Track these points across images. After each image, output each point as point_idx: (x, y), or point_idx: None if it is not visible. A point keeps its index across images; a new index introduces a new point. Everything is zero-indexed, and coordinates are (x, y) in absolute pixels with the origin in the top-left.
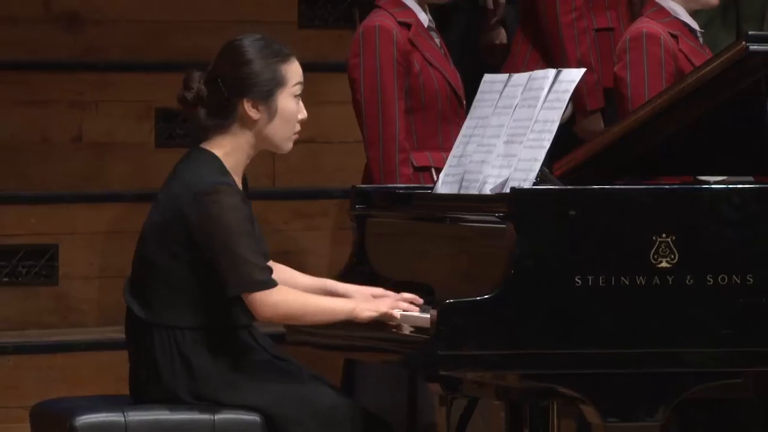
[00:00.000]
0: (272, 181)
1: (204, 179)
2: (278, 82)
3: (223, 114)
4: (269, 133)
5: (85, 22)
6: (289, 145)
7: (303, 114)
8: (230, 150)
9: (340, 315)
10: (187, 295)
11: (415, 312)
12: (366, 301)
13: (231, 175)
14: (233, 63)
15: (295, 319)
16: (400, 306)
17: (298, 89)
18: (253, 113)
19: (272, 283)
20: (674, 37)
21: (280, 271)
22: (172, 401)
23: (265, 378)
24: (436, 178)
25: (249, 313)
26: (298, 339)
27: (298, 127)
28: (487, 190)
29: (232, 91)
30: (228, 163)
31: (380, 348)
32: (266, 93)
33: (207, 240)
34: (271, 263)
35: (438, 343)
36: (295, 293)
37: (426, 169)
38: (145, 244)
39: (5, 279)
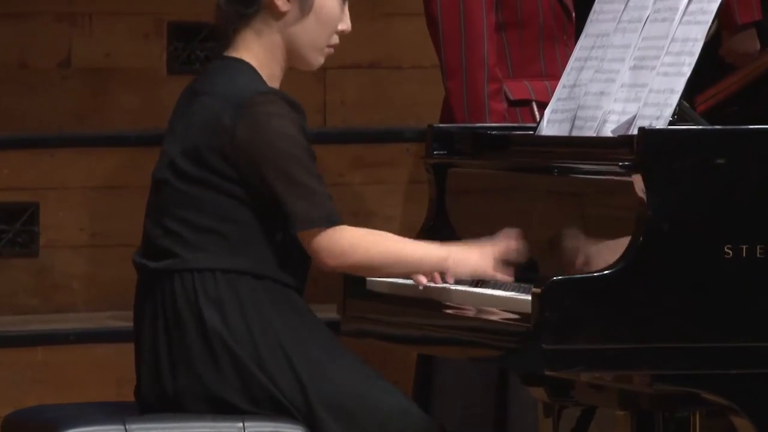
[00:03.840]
0: (323, 119)
1: (247, 87)
2: None
3: None
4: (297, 35)
5: None
6: (319, 60)
7: (345, 24)
8: (261, 56)
9: (427, 266)
10: (229, 236)
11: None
12: (463, 252)
13: None
14: None
15: (369, 270)
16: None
17: None
18: (281, 2)
19: (339, 219)
20: None
21: None
22: (193, 393)
23: (321, 354)
24: (538, 116)
25: (304, 269)
26: (358, 328)
27: (335, 39)
28: (608, 131)
29: None
30: (263, 74)
31: (464, 340)
32: None
33: (257, 163)
34: None
35: (542, 335)
36: (372, 234)
37: (525, 103)
38: (162, 185)
39: None
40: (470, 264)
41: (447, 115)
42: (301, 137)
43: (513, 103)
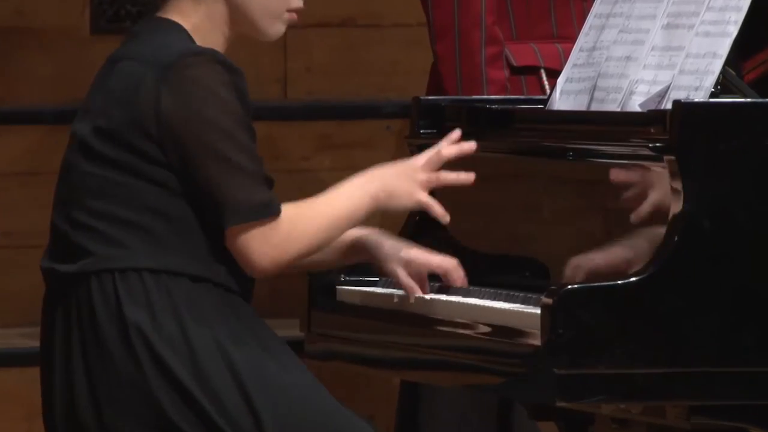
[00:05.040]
0: (283, 90)
1: (175, 47)
2: None
3: None
4: (247, 4)
5: None
6: (279, 29)
7: None
8: (198, 22)
9: (362, 214)
10: (154, 230)
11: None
12: (390, 180)
13: None
14: None
15: (309, 254)
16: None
17: None
18: None
19: (277, 207)
20: None
21: None
22: (122, 422)
23: (275, 371)
24: (548, 86)
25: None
26: (326, 348)
27: (296, 2)
28: (635, 106)
29: None
30: (198, 41)
31: (457, 363)
32: None
33: (182, 139)
34: None
35: (554, 357)
36: (302, 209)
37: (531, 70)
38: (71, 171)
39: None
40: (401, 196)
41: (435, 85)
42: (237, 106)
43: (516, 71)
